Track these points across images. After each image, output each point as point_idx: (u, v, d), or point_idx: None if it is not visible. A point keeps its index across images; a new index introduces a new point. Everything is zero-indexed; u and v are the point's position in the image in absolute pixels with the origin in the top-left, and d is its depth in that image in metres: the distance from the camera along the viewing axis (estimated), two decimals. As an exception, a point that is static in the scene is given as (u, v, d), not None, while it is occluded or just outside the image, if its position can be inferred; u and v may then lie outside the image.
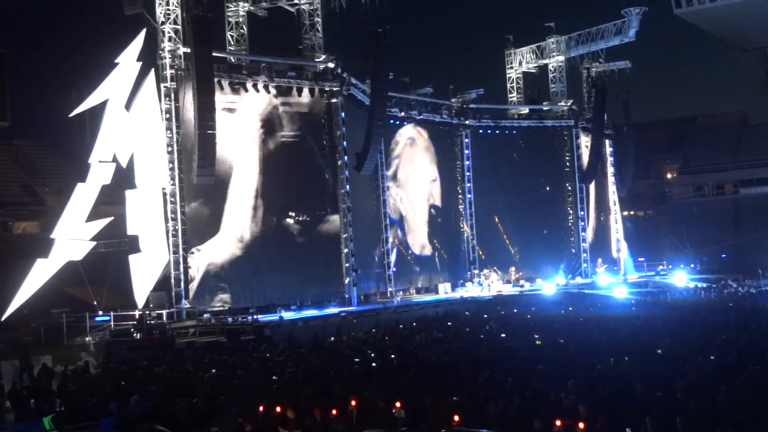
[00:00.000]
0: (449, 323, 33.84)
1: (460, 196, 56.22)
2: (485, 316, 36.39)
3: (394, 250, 49.69)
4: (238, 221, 41.12)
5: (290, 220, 43.42)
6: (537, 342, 25.15)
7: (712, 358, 19.43)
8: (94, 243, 37.00)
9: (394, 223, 50.38)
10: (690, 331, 25.42)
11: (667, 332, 25.08)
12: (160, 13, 39.04)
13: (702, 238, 64.90)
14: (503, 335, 28.02)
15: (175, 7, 39.20)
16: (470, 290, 52.08)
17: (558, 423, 13.49)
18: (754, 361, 18.26)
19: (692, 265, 62.18)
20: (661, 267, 63.21)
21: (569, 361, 19.93)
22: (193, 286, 39.01)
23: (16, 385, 23.74)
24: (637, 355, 20.28)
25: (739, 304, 37.12)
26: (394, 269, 49.49)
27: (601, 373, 18.05)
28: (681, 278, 55.99)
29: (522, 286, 52.87)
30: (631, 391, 15.73)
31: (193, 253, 39.17)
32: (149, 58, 38.49)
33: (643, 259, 64.77)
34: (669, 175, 78.78)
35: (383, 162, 49.11)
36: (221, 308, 39.25)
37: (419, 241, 52.66)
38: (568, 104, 60.90)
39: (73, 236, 36.64)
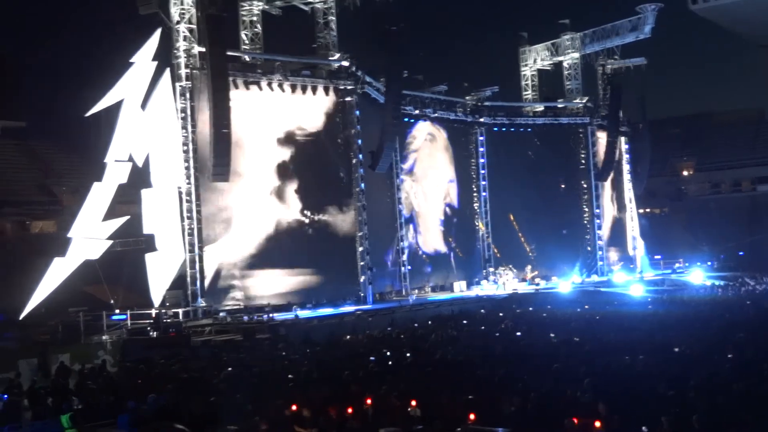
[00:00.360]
0: (464, 321, 33.82)
1: (475, 194, 56.15)
2: (500, 314, 36.31)
3: (407, 249, 49.65)
4: (253, 220, 41.22)
5: (305, 219, 43.45)
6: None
7: (729, 356, 19.33)
8: (111, 242, 37.19)
9: (408, 221, 50.32)
10: (707, 329, 25.31)
11: (683, 330, 24.98)
12: (175, 12, 39.15)
13: (718, 235, 64.51)
14: (518, 333, 27.98)
15: (190, 6, 39.31)
16: (485, 288, 51.97)
17: (575, 421, 13.47)
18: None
19: (709, 263, 61.90)
20: (677, 264, 62.97)
21: (585, 359, 19.88)
22: (209, 284, 39.13)
23: (35, 383, 23.87)
24: (654, 353, 20.21)
25: (757, 301, 36.90)
26: (409, 267, 49.48)
27: (617, 371, 18.00)
28: (698, 276, 55.74)
29: (537, 284, 52.75)
30: (647, 390, 15.67)
31: (208, 251, 39.27)
32: (164, 57, 38.64)
33: (659, 256, 64.52)
34: (685, 172, 78.43)
35: (398, 159, 49.11)
36: (237, 307, 39.36)
37: (433, 239, 52.60)
38: (584, 101, 60.67)
39: (89, 235, 36.84)
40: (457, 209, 54.56)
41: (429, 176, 52.76)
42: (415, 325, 33.62)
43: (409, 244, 50.08)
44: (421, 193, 52.14)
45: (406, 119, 49.34)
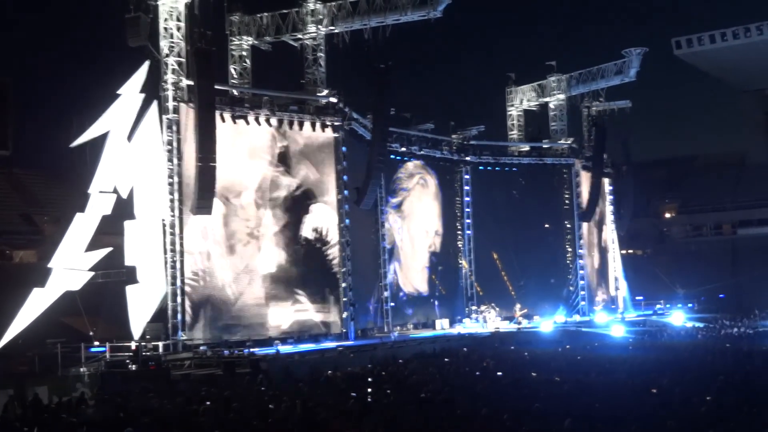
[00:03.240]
0: (446, 359, 33.72)
1: (459, 232, 56.29)
2: (469, 354, 36.24)
3: (390, 286, 49.61)
4: (237, 253, 41.11)
5: (287, 253, 43.35)
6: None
7: (708, 398, 19.36)
8: (92, 273, 36.96)
9: (390, 255, 50.31)
10: (687, 372, 25.35)
11: (663, 372, 25.01)
12: (164, 45, 39.29)
13: (699, 277, 64.86)
14: (500, 373, 27.92)
15: (179, 40, 39.48)
16: (468, 326, 51.90)
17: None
18: (751, 402, 18.19)
19: (689, 305, 62.15)
20: (658, 306, 63.18)
21: (565, 399, 19.86)
22: (190, 318, 38.91)
23: (9, 413, 23.61)
24: (634, 394, 20.22)
25: (736, 344, 37.05)
26: (392, 304, 49.43)
27: (597, 412, 17.99)
28: (678, 318, 55.94)
29: (519, 323, 52.76)
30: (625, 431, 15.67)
31: (190, 284, 39.10)
32: (152, 90, 38.66)
33: (641, 297, 64.72)
34: (668, 215, 79.00)
35: (384, 195, 49.24)
36: (217, 340, 39.12)
37: (415, 279, 52.58)
38: (569, 142, 61.12)
39: (71, 266, 36.61)
40: (440, 254, 54.59)
41: (416, 220, 52.88)
42: (400, 361, 33.50)
43: (391, 282, 49.99)
44: (406, 232, 52.18)
45: (392, 156, 49.52)
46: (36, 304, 35.62)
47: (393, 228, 50.86)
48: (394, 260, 50.93)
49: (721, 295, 63.97)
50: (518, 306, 54.79)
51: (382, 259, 49.18)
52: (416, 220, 52.93)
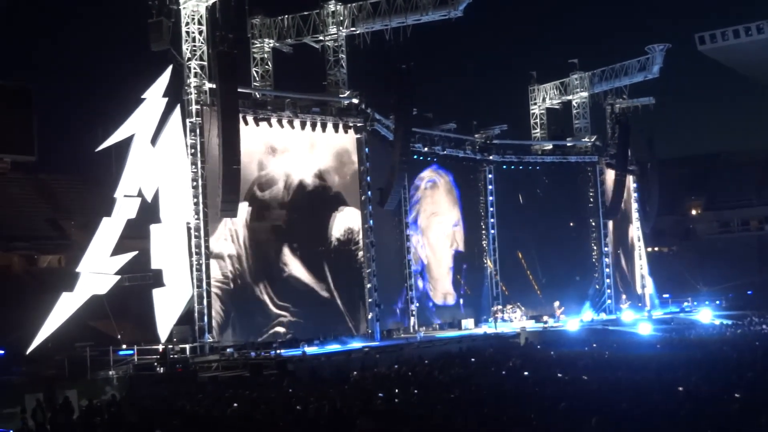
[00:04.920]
0: (472, 359, 33.67)
1: (483, 232, 56.15)
2: (500, 353, 36.16)
3: (415, 290, 49.57)
4: (262, 255, 41.26)
5: (313, 255, 43.48)
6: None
7: (737, 396, 19.20)
8: (119, 277, 37.22)
9: (419, 273, 50.29)
10: (715, 369, 25.15)
11: (692, 370, 24.82)
12: (187, 49, 39.50)
13: (726, 274, 64.39)
14: (526, 372, 27.84)
15: (201, 43, 39.68)
16: (492, 325, 51.76)
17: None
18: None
19: (717, 302, 61.67)
20: (686, 303, 62.73)
21: (593, 398, 19.76)
22: (217, 320, 39.08)
23: (38, 417, 23.81)
24: (662, 393, 20.08)
25: (765, 341, 36.68)
26: (417, 304, 49.41)
27: (625, 411, 17.89)
28: (706, 315, 55.50)
29: (546, 322, 52.56)
30: (654, 430, 15.57)
31: (216, 287, 39.28)
32: (175, 93, 38.92)
33: (668, 295, 64.32)
34: (693, 212, 78.51)
35: (407, 198, 49.21)
36: (244, 342, 39.27)
37: (443, 287, 52.54)
38: (592, 140, 60.85)
39: (97, 270, 36.89)
40: (465, 251, 54.49)
41: (433, 225, 52.71)
42: (425, 362, 33.45)
43: (419, 291, 49.96)
44: (428, 245, 52.05)
45: (415, 156, 49.48)
46: (64, 308, 35.96)
47: (416, 247, 50.75)
48: (426, 276, 50.90)
49: (749, 292, 63.41)
50: (557, 303, 54.48)
51: (407, 259, 49.18)
52: (434, 227, 52.62)
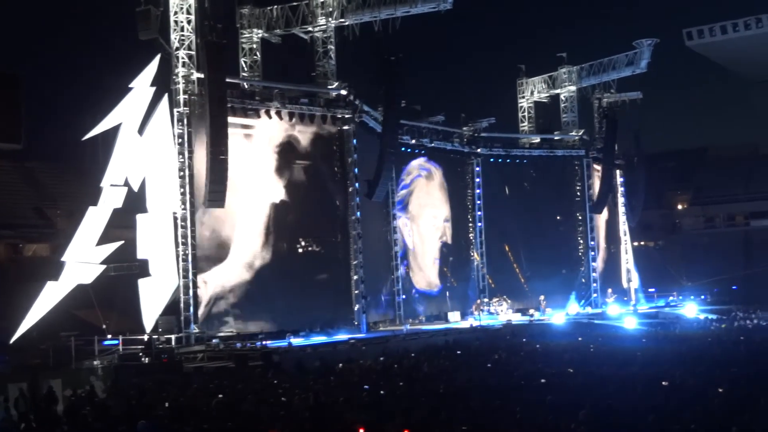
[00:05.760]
0: (458, 352, 33.71)
1: (470, 225, 56.19)
2: (486, 345, 36.24)
3: (401, 279, 49.60)
4: (248, 246, 41.17)
5: (300, 247, 43.48)
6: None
7: (720, 390, 19.30)
8: (105, 266, 37.07)
9: (402, 258, 50.32)
10: (700, 364, 25.27)
11: (676, 364, 24.94)
12: (175, 38, 39.30)
13: (712, 269, 64.63)
14: (513, 365, 27.90)
15: (190, 33, 39.47)
16: (479, 318, 51.81)
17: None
18: (765, 394, 18.11)
19: (702, 297, 61.92)
20: (671, 298, 62.96)
21: (578, 391, 19.83)
22: (202, 310, 39.00)
23: (20, 407, 23.73)
24: (647, 386, 20.17)
25: (749, 336, 36.91)
26: (404, 296, 49.45)
27: (611, 404, 17.95)
28: (691, 309, 55.72)
29: (531, 315, 52.68)
30: (640, 424, 15.63)
31: (202, 277, 39.18)
32: (163, 83, 38.70)
33: (653, 289, 64.53)
34: (680, 206, 78.71)
35: (394, 190, 49.20)
36: (230, 333, 39.20)
37: (428, 277, 52.56)
38: (579, 134, 60.93)
39: (83, 259, 36.73)
40: (452, 246, 54.50)
41: (425, 215, 52.75)
42: (412, 354, 33.49)
43: (404, 279, 49.97)
44: (417, 233, 52.07)
45: (403, 149, 49.44)
46: (49, 297, 35.77)
47: (403, 231, 50.77)
48: (407, 261, 50.87)
49: (734, 287, 63.67)
50: (542, 297, 54.64)
51: (394, 251, 49.19)
52: (425, 216, 52.77)
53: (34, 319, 35.31)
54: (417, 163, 52.51)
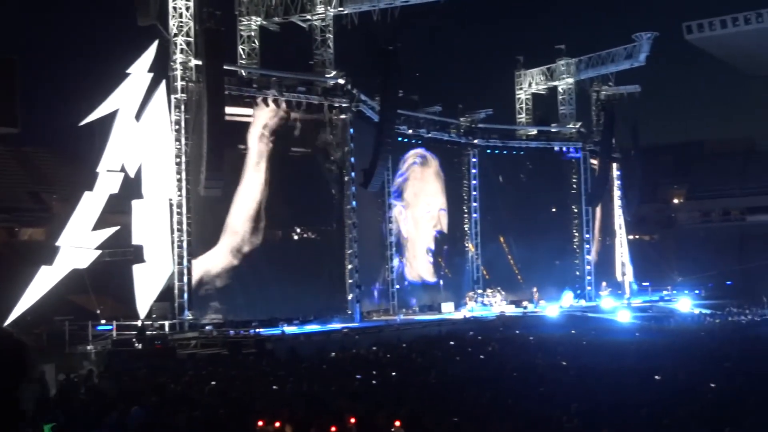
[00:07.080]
0: (451, 342, 33.77)
1: (465, 216, 56.23)
2: (479, 337, 36.31)
3: (396, 270, 49.63)
4: (243, 234, 41.16)
5: (295, 234, 43.52)
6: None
7: (712, 385, 19.34)
8: (100, 252, 37.07)
9: (397, 247, 50.34)
10: (693, 358, 25.33)
11: (669, 359, 24.99)
12: (173, 25, 39.22)
13: (707, 264, 64.65)
14: (506, 356, 27.94)
15: (188, 19, 39.40)
16: (474, 309, 51.92)
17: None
18: (757, 390, 18.17)
19: (697, 291, 61.99)
20: (665, 292, 63.00)
21: (571, 384, 19.87)
22: (196, 297, 39.00)
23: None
24: (639, 380, 20.21)
25: (743, 332, 36.98)
26: (398, 286, 49.48)
27: (604, 397, 17.99)
28: (685, 304, 55.77)
29: (525, 307, 52.75)
30: (632, 417, 15.66)
31: (197, 264, 39.18)
32: (161, 69, 38.66)
33: (647, 283, 64.57)
34: (676, 200, 78.73)
35: (390, 180, 49.19)
36: (223, 320, 39.23)
37: (420, 267, 52.53)
38: (577, 126, 60.92)
39: (78, 244, 36.73)
40: (447, 236, 54.53)
41: (420, 203, 52.76)
42: (403, 345, 33.55)
43: (397, 269, 49.98)
44: (411, 220, 52.08)
45: (399, 139, 49.43)
46: (44, 281, 35.78)
47: (399, 221, 50.77)
48: (399, 252, 50.87)
49: (728, 282, 63.73)
50: (535, 289, 54.74)
51: (389, 241, 49.21)
52: (420, 204, 52.77)
53: (29, 304, 35.33)
54: (414, 152, 52.46)
